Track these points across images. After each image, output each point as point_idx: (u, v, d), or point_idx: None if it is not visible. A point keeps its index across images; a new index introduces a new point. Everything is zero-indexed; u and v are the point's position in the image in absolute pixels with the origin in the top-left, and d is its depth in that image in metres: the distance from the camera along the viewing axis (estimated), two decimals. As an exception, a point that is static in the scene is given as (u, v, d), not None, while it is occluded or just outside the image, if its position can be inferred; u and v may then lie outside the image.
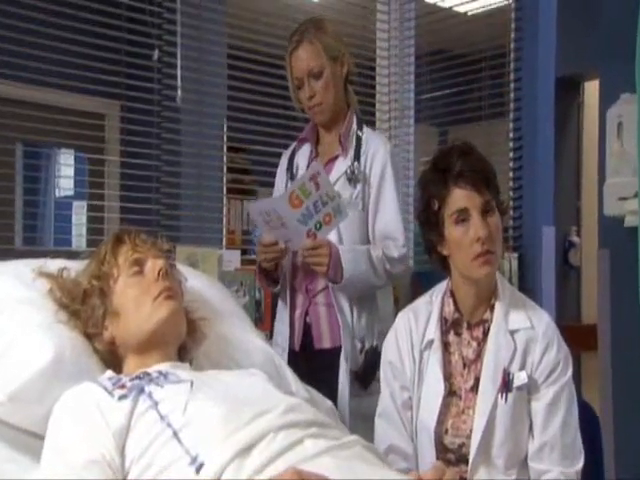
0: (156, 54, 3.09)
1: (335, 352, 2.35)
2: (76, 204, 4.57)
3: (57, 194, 4.67)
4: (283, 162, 2.58)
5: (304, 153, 2.53)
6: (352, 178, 2.40)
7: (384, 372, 1.94)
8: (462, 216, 1.79)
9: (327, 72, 2.41)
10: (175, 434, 1.33)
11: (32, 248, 3.78)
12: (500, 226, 1.82)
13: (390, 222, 2.43)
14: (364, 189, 2.41)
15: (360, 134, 2.47)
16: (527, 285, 3.07)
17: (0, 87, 3.30)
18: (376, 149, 2.44)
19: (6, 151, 3.25)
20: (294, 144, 2.59)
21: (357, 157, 2.43)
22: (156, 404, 1.38)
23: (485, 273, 1.80)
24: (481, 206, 1.78)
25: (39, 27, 2.81)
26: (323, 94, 2.42)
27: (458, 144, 1.86)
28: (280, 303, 2.51)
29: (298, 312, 2.43)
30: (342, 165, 2.43)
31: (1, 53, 2.75)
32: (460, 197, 1.79)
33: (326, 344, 2.40)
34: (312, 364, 2.34)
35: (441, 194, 1.81)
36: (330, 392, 2.16)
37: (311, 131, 2.54)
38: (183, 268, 1.91)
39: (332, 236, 2.34)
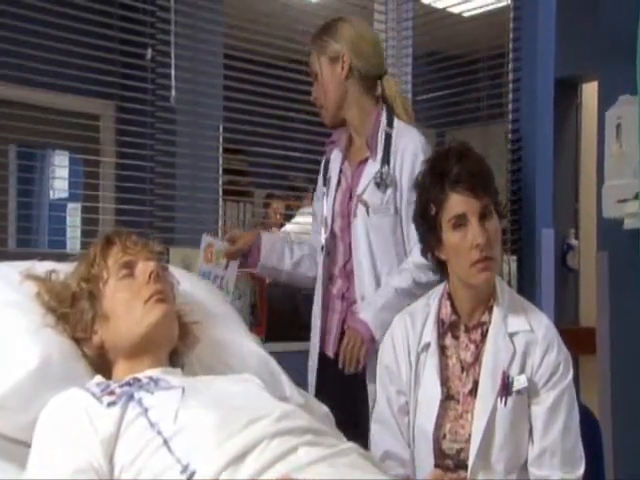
0: (149, 53, 3.06)
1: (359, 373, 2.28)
2: (70, 206, 4.54)
3: (51, 196, 4.64)
4: (322, 166, 2.56)
5: (336, 158, 2.48)
6: (380, 183, 2.32)
7: (380, 376, 1.91)
8: (460, 221, 1.77)
9: (323, 75, 2.38)
10: (165, 442, 1.30)
11: (26, 250, 3.74)
12: (499, 229, 1.81)
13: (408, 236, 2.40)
14: (395, 193, 2.32)
15: (390, 131, 2.37)
16: (526, 288, 3.06)
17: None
18: (405, 146, 2.34)
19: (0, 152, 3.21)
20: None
21: (386, 159, 2.34)
22: (146, 411, 1.35)
23: (484, 279, 1.78)
24: (479, 211, 1.76)
25: (31, 26, 2.78)
26: (322, 96, 2.40)
27: (455, 146, 1.84)
28: (315, 307, 2.46)
29: (336, 317, 2.38)
30: (371, 169, 2.35)
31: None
32: (458, 202, 1.76)
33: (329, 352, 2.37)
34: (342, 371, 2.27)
35: (438, 199, 1.79)
36: (361, 402, 2.19)
37: (342, 133, 2.47)
38: (176, 271, 1.88)
39: (362, 244, 2.31)
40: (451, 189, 1.77)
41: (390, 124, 2.37)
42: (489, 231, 1.76)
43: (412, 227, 2.24)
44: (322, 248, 2.42)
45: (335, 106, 2.40)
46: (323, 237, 2.41)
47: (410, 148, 2.32)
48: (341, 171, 2.45)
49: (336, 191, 2.43)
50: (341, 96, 2.39)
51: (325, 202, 2.45)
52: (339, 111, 2.41)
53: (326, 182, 2.47)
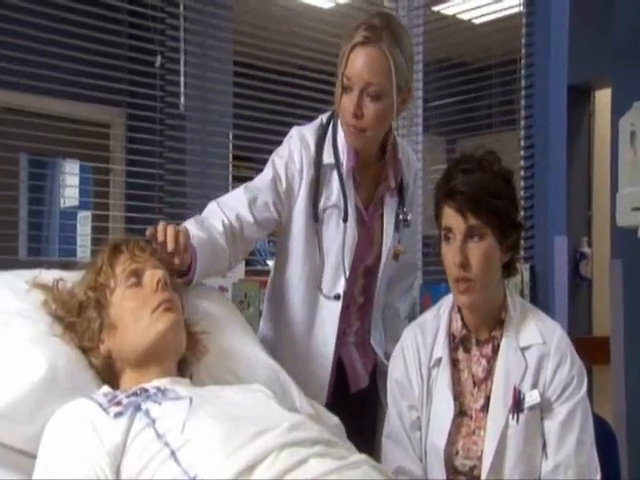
0: (159, 60, 3.06)
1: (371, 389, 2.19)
2: (81, 214, 4.55)
3: (62, 204, 4.65)
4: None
5: (335, 183, 2.06)
6: (399, 225, 2.12)
7: (391, 391, 1.87)
8: (448, 234, 1.74)
9: (388, 99, 1.93)
10: (173, 453, 1.28)
11: (36, 259, 3.74)
12: (490, 254, 1.72)
13: (415, 252, 2.36)
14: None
15: (401, 157, 2.13)
16: (539, 296, 3.03)
17: (3, 96, 3.28)
18: (414, 172, 2.20)
19: (10, 160, 3.21)
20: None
21: (402, 196, 2.13)
22: (153, 422, 1.33)
23: (463, 302, 1.75)
24: (464, 231, 1.71)
25: (41, 34, 2.78)
26: (374, 122, 1.95)
27: (479, 154, 1.77)
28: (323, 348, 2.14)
29: (355, 355, 2.19)
30: (392, 207, 2.11)
31: (3, 62, 2.72)
32: (448, 215, 1.73)
33: (364, 384, 2.19)
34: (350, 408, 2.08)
35: (438, 205, 1.77)
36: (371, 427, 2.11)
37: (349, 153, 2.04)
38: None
39: (382, 290, 2.16)
40: (444, 201, 1.74)
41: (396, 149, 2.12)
42: (473, 253, 1.70)
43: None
44: (337, 297, 2.07)
45: (379, 137, 2.04)
46: (343, 282, 2.07)
47: (413, 178, 2.20)
48: (345, 199, 2.04)
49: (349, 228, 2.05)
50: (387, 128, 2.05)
51: (340, 238, 2.06)
52: (378, 140, 2.06)
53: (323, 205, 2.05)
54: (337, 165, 2.04)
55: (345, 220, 2.03)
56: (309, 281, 2.07)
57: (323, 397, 2.06)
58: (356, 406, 2.15)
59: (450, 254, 1.72)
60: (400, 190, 2.14)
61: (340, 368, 2.14)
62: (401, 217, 2.13)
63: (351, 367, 2.16)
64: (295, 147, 2.07)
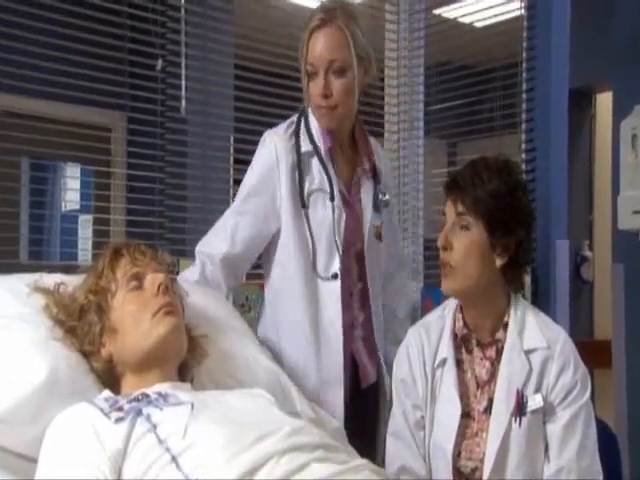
0: (159, 64, 3.05)
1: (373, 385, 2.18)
2: (82, 218, 4.55)
3: (63, 208, 4.65)
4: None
5: (316, 168, 2.09)
6: (379, 206, 2.15)
7: (396, 390, 1.88)
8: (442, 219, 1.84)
9: (352, 71, 1.98)
10: (174, 459, 1.28)
11: (37, 262, 3.74)
12: (473, 246, 1.76)
13: (400, 242, 2.37)
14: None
15: (372, 144, 2.21)
16: (540, 300, 3.01)
17: (4, 100, 3.28)
18: (384, 163, 2.26)
19: (12, 164, 3.20)
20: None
21: (377, 179, 2.17)
22: (154, 427, 1.33)
23: (444, 288, 1.80)
24: (454, 217, 1.78)
25: (42, 38, 2.78)
26: (343, 97, 1.99)
27: (488, 160, 1.83)
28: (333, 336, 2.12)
29: (361, 345, 2.17)
30: (369, 189, 2.15)
31: (4, 65, 2.72)
32: (447, 205, 1.82)
33: (372, 379, 2.18)
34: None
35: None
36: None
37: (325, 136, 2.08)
38: (186, 282, 1.86)
39: (376, 271, 2.16)
40: (445, 194, 1.83)
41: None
42: (457, 239, 1.76)
43: (394, 248, 2.28)
44: (335, 276, 2.07)
45: (350, 113, 2.07)
46: (338, 261, 2.07)
47: (388, 165, 2.27)
48: (330, 180, 2.07)
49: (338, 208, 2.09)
50: (356, 104, 2.08)
51: (326, 214, 2.08)
52: (350, 120, 2.11)
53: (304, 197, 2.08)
54: (315, 150, 2.08)
55: (332, 199, 2.05)
56: (305, 268, 2.07)
57: (340, 395, 2.05)
58: (368, 401, 2.16)
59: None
60: (374, 174, 2.18)
61: (352, 363, 2.13)
62: (381, 197, 2.17)
63: (361, 362, 2.16)
64: (268, 145, 2.11)
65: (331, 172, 2.07)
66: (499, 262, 1.77)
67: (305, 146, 2.08)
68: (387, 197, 2.17)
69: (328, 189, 2.06)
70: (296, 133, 2.10)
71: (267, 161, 2.09)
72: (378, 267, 2.19)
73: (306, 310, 2.06)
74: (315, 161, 2.08)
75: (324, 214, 2.07)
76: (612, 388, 3.26)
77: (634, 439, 3.01)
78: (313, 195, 2.08)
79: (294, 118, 2.15)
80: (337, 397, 2.04)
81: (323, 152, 2.07)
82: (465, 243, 1.75)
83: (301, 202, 2.07)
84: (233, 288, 2.19)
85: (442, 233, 1.78)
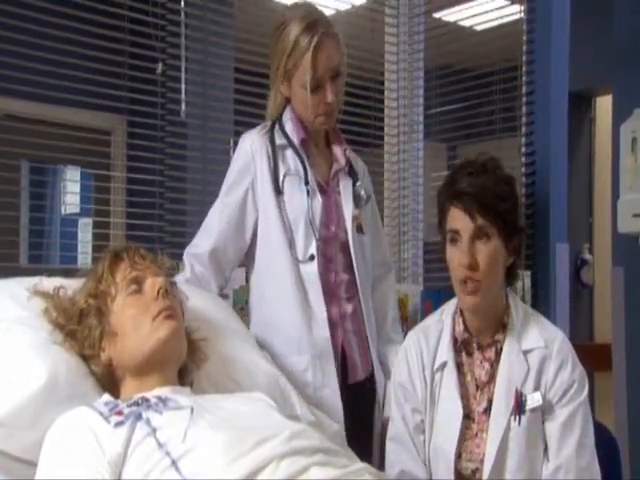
0: (160, 67, 3.05)
1: (368, 382, 2.16)
2: (82, 221, 4.55)
3: (63, 211, 4.65)
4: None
5: (291, 158, 2.15)
6: (358, 202, 2.17)
7: (395, 394, 1.88)
8: (454, 237, 1.75)
9: (344, 68, 2.12)
10: (174, 463, 1.28)
11: (37, 266, 3.74)
12: (496, 255, 1.73)
13: (386, 247, 2.36)
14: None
15: (344, 143, 2.24)
16: (540, 303, 3.03)
17: (3, 103, 3.28)
18: (362, 167, 2.28)
19: (12, 168, 3.20)
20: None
21: (355, 177, 2.20)
22: (154, 431, 1.33)
23: (470, 303, 1.76)
24: (472, 231, 1.72)
25: (42, 41, 2.77)
26: (339, 97, 2.12)
27: (481, 158, 1.80)
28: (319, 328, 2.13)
29: (353, 338, 2.16)
30: (347, 184, 2.18)
31: (4, 69, 2.72)
32: (454, 217, 1.74)
33: (360, 376, 2.16)
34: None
35: (443, 208, 1.78)
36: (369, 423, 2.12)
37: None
38: (185, 286, 1.86)
39: (360, 262, 2.16)
40: (450, 202, 1.75)
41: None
42: (479, 253, 1.71)
43: (379, 248, 2.28)
44: (312, 257, 2.09)
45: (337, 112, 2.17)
46: (315, 244, 2.09)
47: (362, 164, 2.29)
48: (304, 167, 2.11)
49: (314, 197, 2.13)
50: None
51: (307, 202, 2.10)
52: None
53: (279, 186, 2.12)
54: (289, 143, 2.14)
55: (307, 183, 2.09)
56: (286, 253, 2.10)
57: (336, 386, 2.06)
58: (355, 398, 2.13)
59: (457, 256, 1.73)
60: (351, 173, 2.20)
61: (342, 358, 2.13)
62: (362, 193, 2.18)
63: (350, 356, 2.15)
64: (244, 144, 2.16)
65: (305, 160, 2.12)
66: (508, 263, 1.78)
67: (279, 139, 2.15)
68: (363, 192, 2.19)
69: (302, 174, 2.11)
70: (271, 130, 2.16)
71: (244, 156, 2.15)
72: (364, 260, 2.20)
73: (293, 293, 2.09)
74: (290, 151, 2.15)
75: (301, 199, 2.11)
76: (612, 391, 3.26)
77: (634, 442, 3.01)
78: (288, 180, 2.12)
79: (268, 122, 2.21)
80: (332, 373, 2.06)
81: (297, 143, 2.14)
82: (489, 255, 1.72)
83: (276, 189, 2.11)
84: (222, 286, 2.20)
85: (463, 250, 1.71)
